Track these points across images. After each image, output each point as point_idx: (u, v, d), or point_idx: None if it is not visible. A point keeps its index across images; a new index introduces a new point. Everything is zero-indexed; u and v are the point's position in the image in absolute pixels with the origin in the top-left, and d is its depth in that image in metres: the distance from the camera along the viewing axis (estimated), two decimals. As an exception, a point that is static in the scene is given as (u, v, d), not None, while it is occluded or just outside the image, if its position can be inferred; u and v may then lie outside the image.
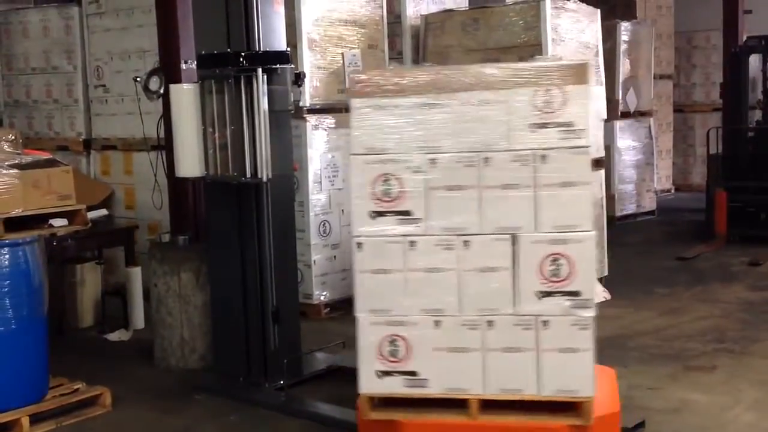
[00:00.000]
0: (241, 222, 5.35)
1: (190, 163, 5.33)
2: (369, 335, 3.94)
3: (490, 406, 3.88)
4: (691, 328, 6.52)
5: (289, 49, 5.42)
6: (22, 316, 4.83)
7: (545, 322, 3.80)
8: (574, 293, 3.77)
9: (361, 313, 3.95)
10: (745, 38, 10.83)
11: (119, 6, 7.71)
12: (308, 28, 6.92)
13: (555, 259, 3.77)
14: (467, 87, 3.86)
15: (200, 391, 5.41)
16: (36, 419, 4.88)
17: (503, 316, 3.83)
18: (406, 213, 3.88)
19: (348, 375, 4.67)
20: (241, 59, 5.09)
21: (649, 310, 6.96)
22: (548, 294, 3.79)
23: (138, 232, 7.30)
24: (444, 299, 3.87)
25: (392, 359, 3.93)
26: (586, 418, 3.76)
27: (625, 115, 11.06)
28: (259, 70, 5.06)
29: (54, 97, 8.35)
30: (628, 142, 11.12)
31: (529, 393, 3.83)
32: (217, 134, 5.22)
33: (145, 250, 6.46)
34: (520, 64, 4.03)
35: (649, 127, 11.52)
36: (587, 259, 3.79)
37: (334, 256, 7.08)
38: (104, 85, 7.98)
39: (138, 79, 5.93)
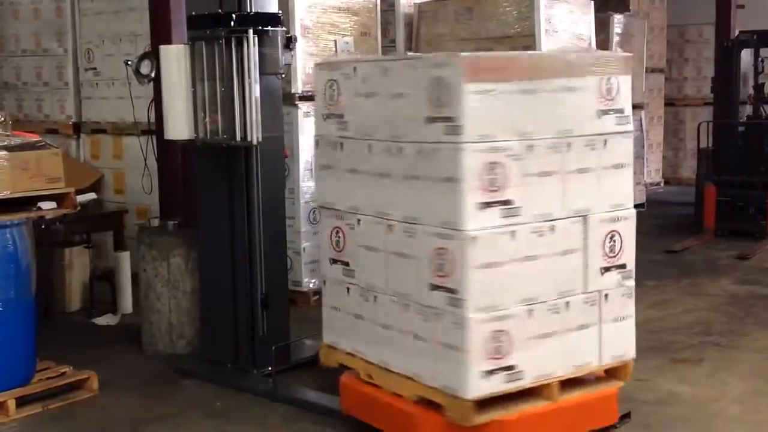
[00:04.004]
0: (231, 186, 5.31)
1: (179, 125, 5.26)
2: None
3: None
4: (679, 321, 6.54)
5: (280, 11, 5.38)
6: (9, 298, 4.81)
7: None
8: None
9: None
10: (737, 33, 10.83)
11: (111, -11, 7.67)
12: (301, 15, 6.88)
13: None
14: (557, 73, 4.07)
15: (188, 376, 5.40)
16: (22, 402, 4.86)
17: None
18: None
19: (336, 362, 4.65)
20: (232, 20, 5.04)
21: (637, 302, 6.87)
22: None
23: (127, 216, 7.29)
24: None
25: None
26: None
27: (617, 107, 11.03)
28: (250, 31, 5.00)
29: (44, 79, 8.31)
30: (618, 135, 11.10)
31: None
32: (206, 96, 5.16)
33: (134, 235, 6.43)
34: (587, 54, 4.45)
35: (640, 120, 11.51)
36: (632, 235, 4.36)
37: (324, 244, 7.05)
38: (95, 69, 7.94)
39: (129, 62, 5.89)
